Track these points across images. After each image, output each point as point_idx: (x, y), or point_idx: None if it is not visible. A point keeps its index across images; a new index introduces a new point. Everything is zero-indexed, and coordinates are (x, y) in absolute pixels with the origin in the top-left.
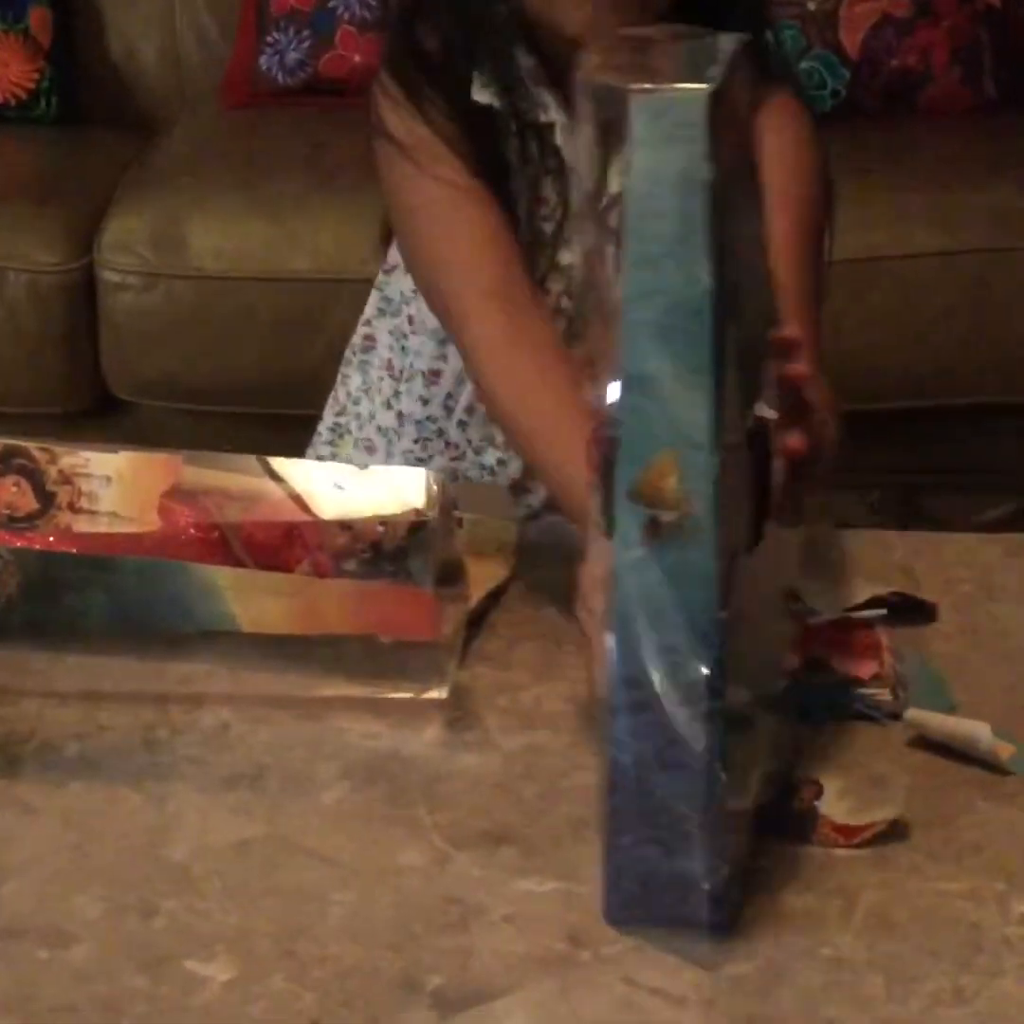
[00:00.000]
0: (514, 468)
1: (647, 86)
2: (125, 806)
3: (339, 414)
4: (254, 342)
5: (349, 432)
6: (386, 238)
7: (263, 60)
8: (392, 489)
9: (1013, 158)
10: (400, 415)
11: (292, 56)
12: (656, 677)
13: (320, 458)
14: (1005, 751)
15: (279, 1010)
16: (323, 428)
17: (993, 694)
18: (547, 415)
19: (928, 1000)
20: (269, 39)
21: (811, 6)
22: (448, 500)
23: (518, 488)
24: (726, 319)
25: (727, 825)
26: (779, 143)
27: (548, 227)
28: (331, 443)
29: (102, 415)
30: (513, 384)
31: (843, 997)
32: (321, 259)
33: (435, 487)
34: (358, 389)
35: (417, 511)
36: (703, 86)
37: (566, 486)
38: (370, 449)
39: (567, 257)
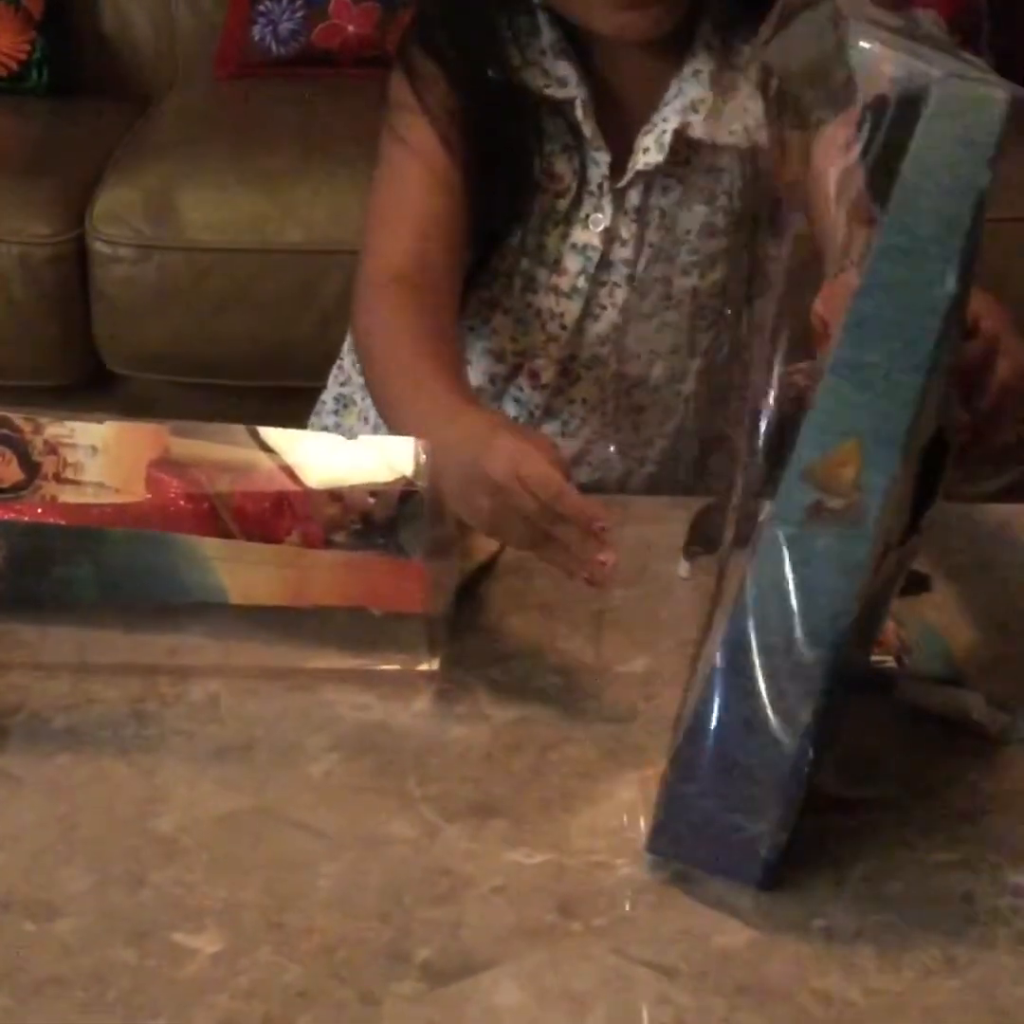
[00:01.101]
0: None
1: (952, 73)
2: (113, 778)
3: (344, 384)
4: (247, 314)
5: (354, 403)
6: None
7: (256, 30)
8: (381, 458)
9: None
10: None
11: (285, 26)
12: (767, 648)
13: (325, 429)
14: (998, 721)
15: (267, 982)
16: (328, 397)
17: (986, 664)
18: (404, 396)
19: (920, 971)
20: (262, 8)
21: None
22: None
23: None
24: (953, 326)
25: (800, 798)
26: None
27: (562, 204)
28: (336, 413)
29: (96, 388)
30: (386, 362)
31: (834, 968)
32: (314, 231)
33: (424, 456)
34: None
35: (407, 480)
36: (1003, 91)
37: None
38: (368, 420)
39: (583, 236)
